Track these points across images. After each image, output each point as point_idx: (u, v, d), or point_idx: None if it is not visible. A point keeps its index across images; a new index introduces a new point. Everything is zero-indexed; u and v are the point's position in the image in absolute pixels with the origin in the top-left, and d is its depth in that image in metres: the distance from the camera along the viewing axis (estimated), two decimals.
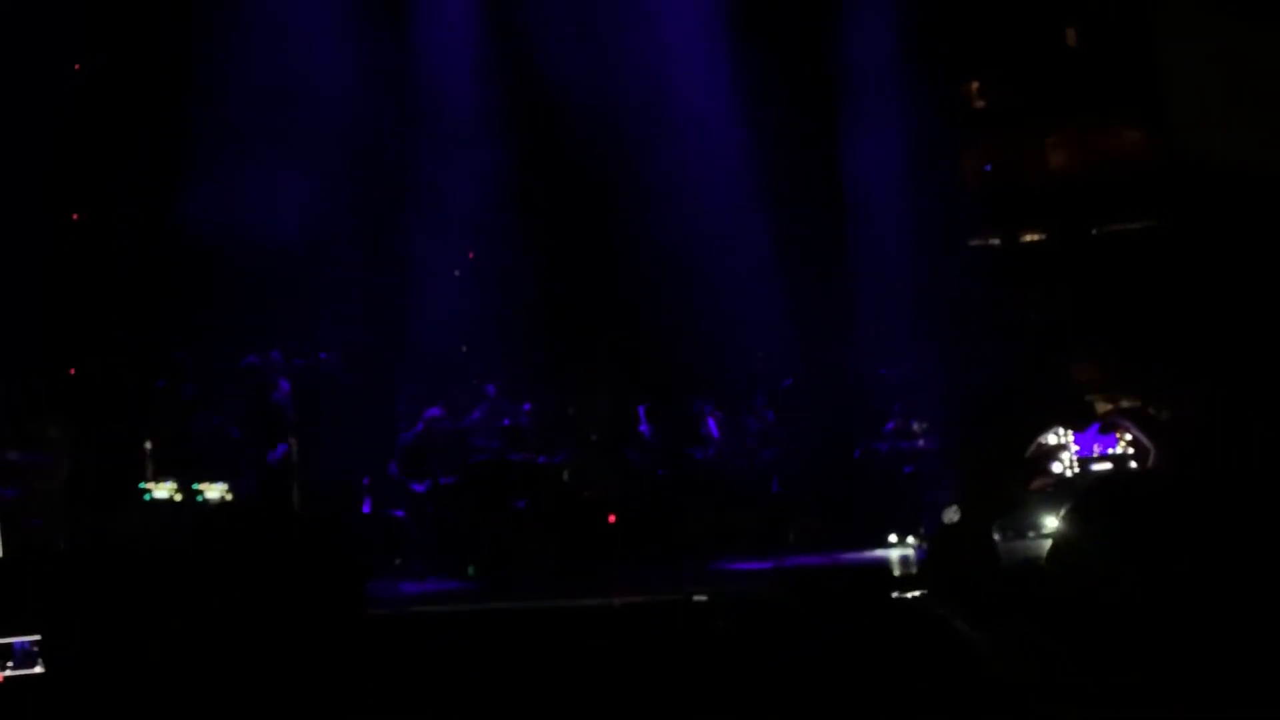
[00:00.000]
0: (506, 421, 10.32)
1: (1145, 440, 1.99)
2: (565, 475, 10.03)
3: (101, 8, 9.89)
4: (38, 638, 4.28)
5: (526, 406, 10.71)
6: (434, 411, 9.90)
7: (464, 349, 11.30)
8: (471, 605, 7.98)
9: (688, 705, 4.10)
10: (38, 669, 4.29)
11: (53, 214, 9.89)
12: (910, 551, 9.33)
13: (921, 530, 9.45)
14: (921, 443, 10.63)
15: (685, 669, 4.47)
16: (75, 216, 10.04)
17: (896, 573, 8.34)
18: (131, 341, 9.57)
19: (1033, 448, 1.94)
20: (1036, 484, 1.99)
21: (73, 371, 9.30)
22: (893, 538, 9.60)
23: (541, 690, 4.63)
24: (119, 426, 8.69)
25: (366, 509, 9.56)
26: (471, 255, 11.88)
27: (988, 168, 12.97)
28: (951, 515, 1.86)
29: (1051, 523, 9.22)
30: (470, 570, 9.00)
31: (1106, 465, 6.55)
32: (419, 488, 9.57)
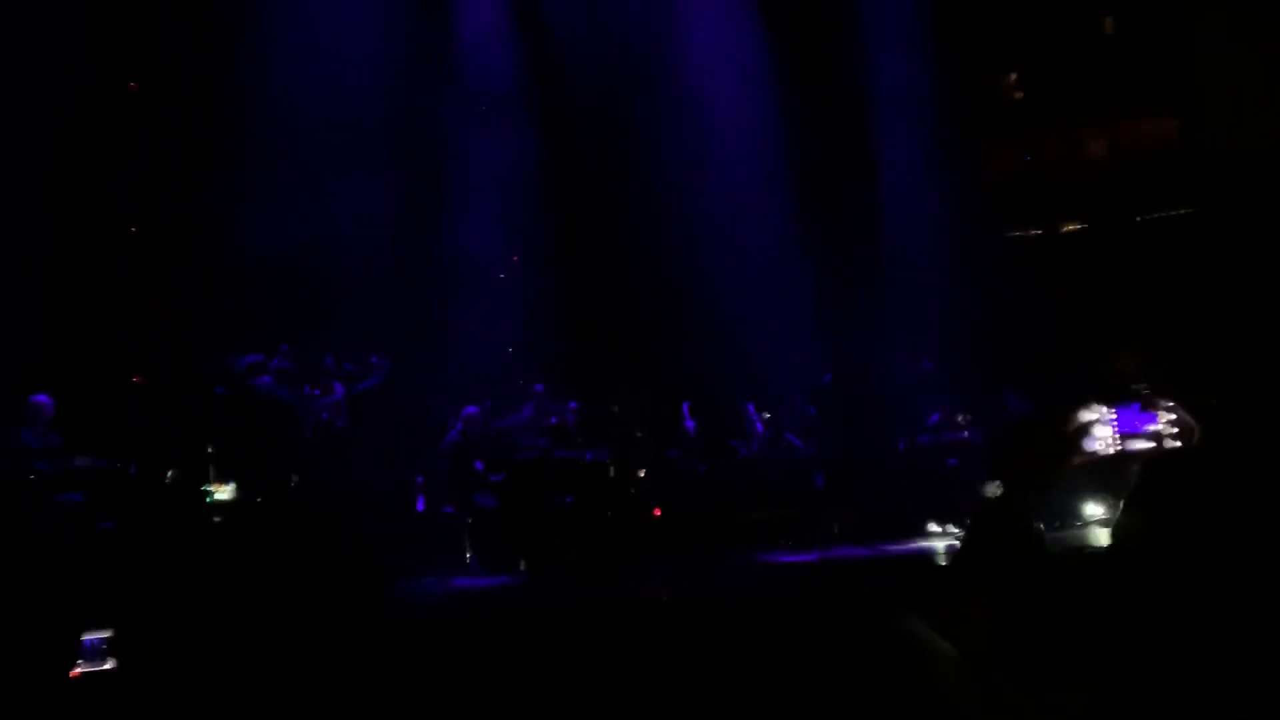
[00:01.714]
0: (553, 420, 10.50)
1: (1188, 419, 2.05)
2: (610, 472, 10.17)
3: (147, 18, 10.12)
4: (108, 634, 4.46)
5: (572, 405, 10.87)
6: (471, 410, 10.07)
7: (510, 349, 11.49)
8: (520, 600, 8.15)
9: (733, 699, 4.20)
10: (108, 665, 4.47)
11: (109, 225, 10.18)
12: (955, 543, 9.37)
13: (966, 522, 9.46)
14: (966, 434, 10.65)
15: (733, 663, 4.58)
16: (133, 230, 10.32)
17: (942, 563, 8.40)
18: (190, 349, 9.83)
19: (1073, 423, 2.00)
20: (1077, 460, 2.05)
21: (137, 380, 9.58)
22: (938, 528, 9.64)
23: (585, 686, 4.74)
24: (183, 432, 8.95)
25: (420, 507, 9.77)
26: (516, 258, 12.07)
27: (1026, 158, 12.93)
28: (993, 489, 1.93)
29: (1092, 511, 9.25)
30: (520, 565, 9.18)
31: (1147, 443, 6.53)
32: (467, 485, 9.77)
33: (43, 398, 8.78)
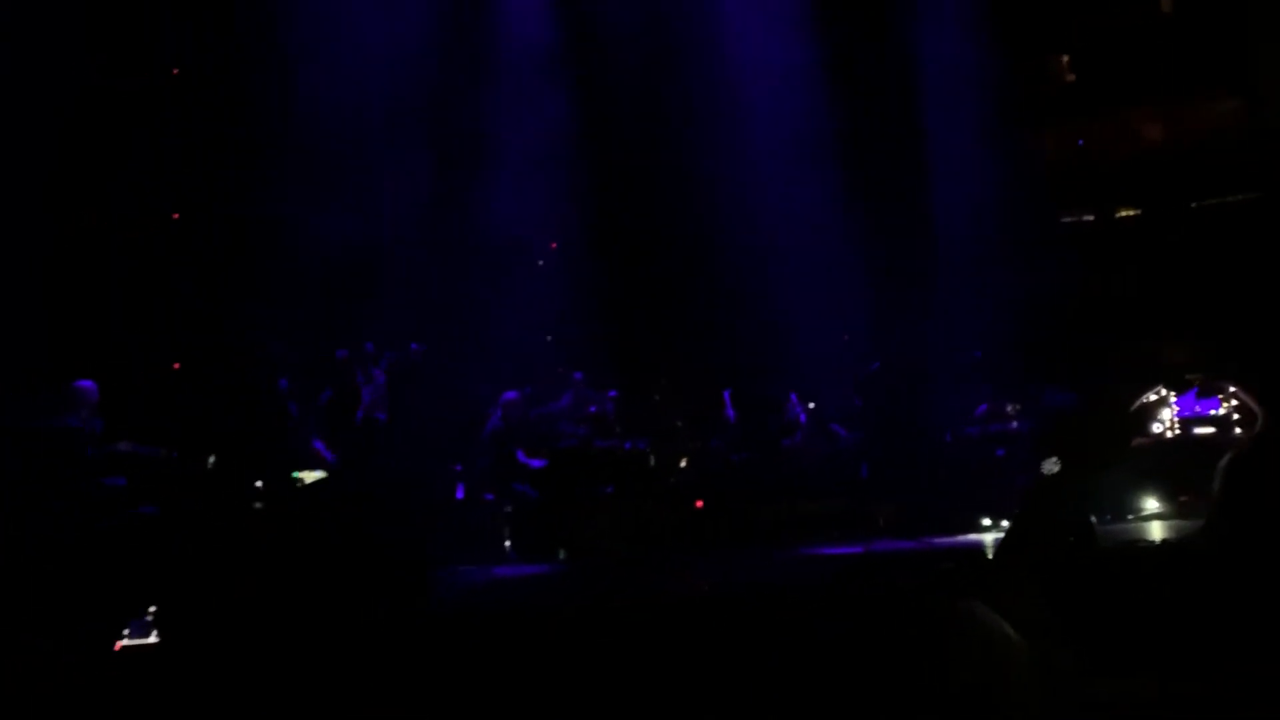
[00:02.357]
0: (593, 409, 10.43)
1: (1253, 404, 1.95)
2: (650, 461, 10.08)
3: (184, 13, 10.16)
4: (153, 609, 4.52)
5: (612, 393, 10.80)
6: (510, 395, 10.02)
7: (549, 338, 11.43)
8: (559, 590, 8.10)
9: (772, 690, 4.10)
10: (152, 639, 4.53)
11: (151, 214, 10.25)
12: (1003, 535, 9.18)
13: (1015, 513, 9.27)
14: (1015, 425, 10.45)
15: (771, 655, 4.47)
16: (175, 216, 10.39)
17: (991, 556, 8.22)
18: (228, 337, 9.89)
19: (1135, 403, 1.91)
20: (1136, 441, 1.96)
21: (176, 366, 9.64)
22: (986, 520, 9.45)
23: (620, 676, 4.67)
24: (221, 418, 8.99)
25: (460, 495, 9.75)
26: (555, 245, 12.02)
27: (1080, 143, 12.65)
28: (1051, 466, 1.84)
29: (1147, 504, 9.00)
30: (560, 554, 9.12)
31: (1209, 428, 6.35)
32: (507, 474, 9.73)
33: (87, 383, 8.85)
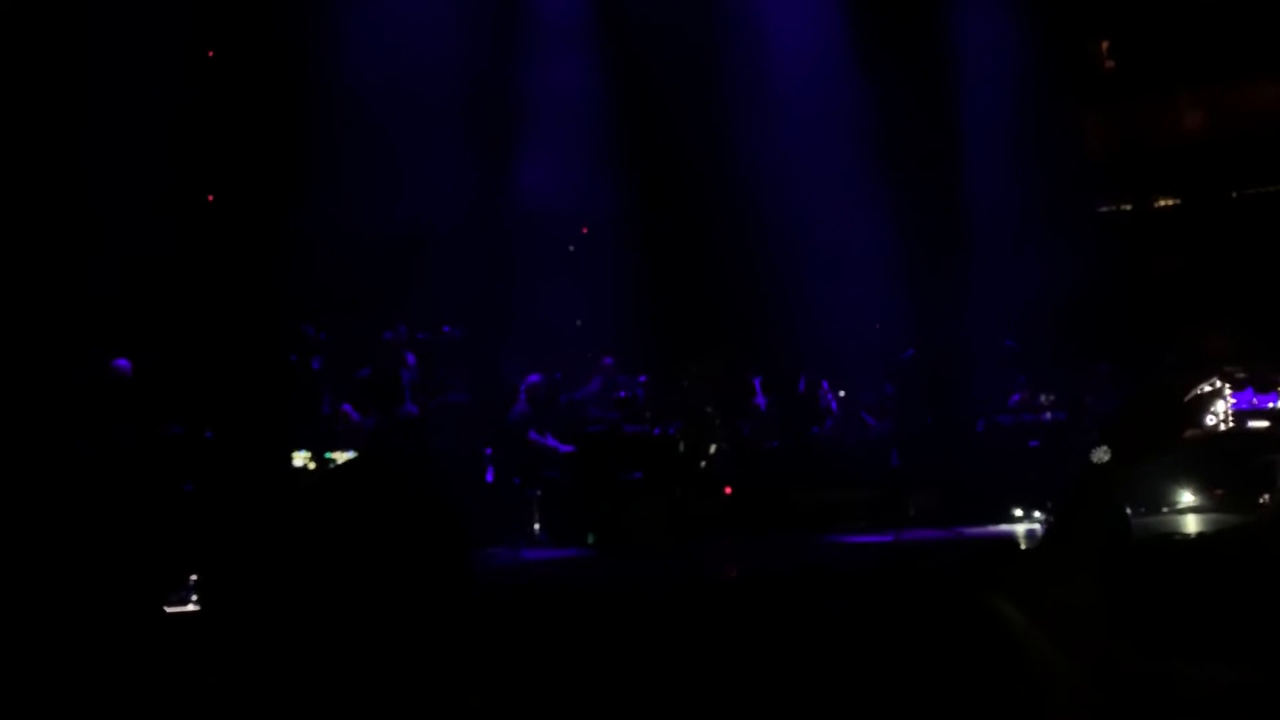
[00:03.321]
0: (623, 394, 10.42)
1: None
2: (680, 447, 10.06)
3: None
4: (194, 577, 4.58)
5: (642, 379, 10.78)
6: (534, 379, 10.02)
7: (578, 322, 11.43)
8: (588, 574, 8.11)
9: (797, 676, 4.09)
10: (192, 606, 4.59)
11: (186, 196, 10.31)
12: (1036, 526, 9.11)
13: (1048, 504, 9.21)
14: (1048, 415, 10.35)
15: (798, 641, 4.47)
16: (210, 198, 10.46)
17: (1023, 547, 8.16)
18: (264, 318, 9.95)
19: (1190, 393, 1.87)
20: (1189, 433, 1.91)
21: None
22: (1018, 511, 9.37)
23: (646, 659, 4.68)
24: (259, 398, 9.06)
25: (489, 478, 9.78)
26: (585, 230, 12.00)
27: (1118, 131, 12.47)
28: (1101, 455, 1.80)
29: (1184, 498, 8.89)
30: (589, 539, 9.13)
31: (1264, 422, 6.24)
32: (535, 457, 9.76)
33: (122, 362, 8.95)
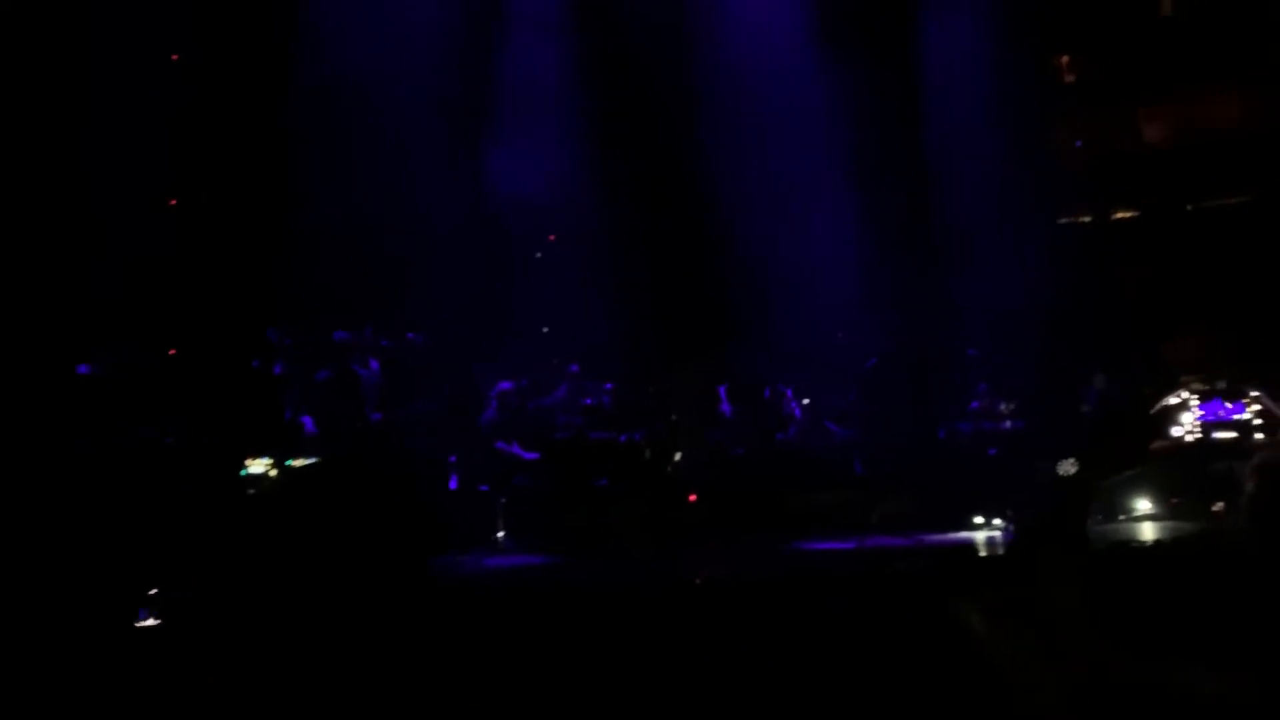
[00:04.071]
0: (589, 400, 10.43)
1: (1276, 411, 1.95)
2: (646, 454, 10.09)
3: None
4: (151, 593, 4.53)
5: (609, 386, 10.79)
6: (504, 385, 10.02)
7: (545, 329, 11.43)
8: (551, 580, 8.10)
9: (759, 681, 4.11)
10: (150, 621, 4.54)
11: (151, 200, 10.19)
12: (996, 533, 9.21)
13: (1007, 512, 9.31)
14: (1007, 424, 10.47)
15: (766, 646, 4.49)
16: (172, 202, 10.33)
17: (983, 554, 8.25)
18: (227, 322, 9.86)
19: (1157, 407, 1.91)
20: (1157, 445, 1.95)
21: (173, 352, 9.60)
22: (978, 519, 9.47)
23: (611, 667, 4.68)
24: (221, 404, 8.97)
25: (454, 485, 9.75)
26: (552, 238, 12.00)
27: (1079, 143, 12.66)
28: (1068, 468, 1.83)
29: (1143, 506, 9.03)
30: (554, 546, 9.11)
31: (1230, 433, 6.34)
32: (502, 464, 9.74)
33: (85, 369, 8.82)
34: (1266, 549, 1.65)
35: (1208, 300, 10.53)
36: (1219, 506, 8.45)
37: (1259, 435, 5.69)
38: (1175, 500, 8.89)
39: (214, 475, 8.44)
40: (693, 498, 9.92)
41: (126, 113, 9.18)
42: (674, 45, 11.38)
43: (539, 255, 12.08)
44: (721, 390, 11.09)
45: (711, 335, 11.65)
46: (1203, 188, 11.92)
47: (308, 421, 9.36)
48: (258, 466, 8.60)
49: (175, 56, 9.79)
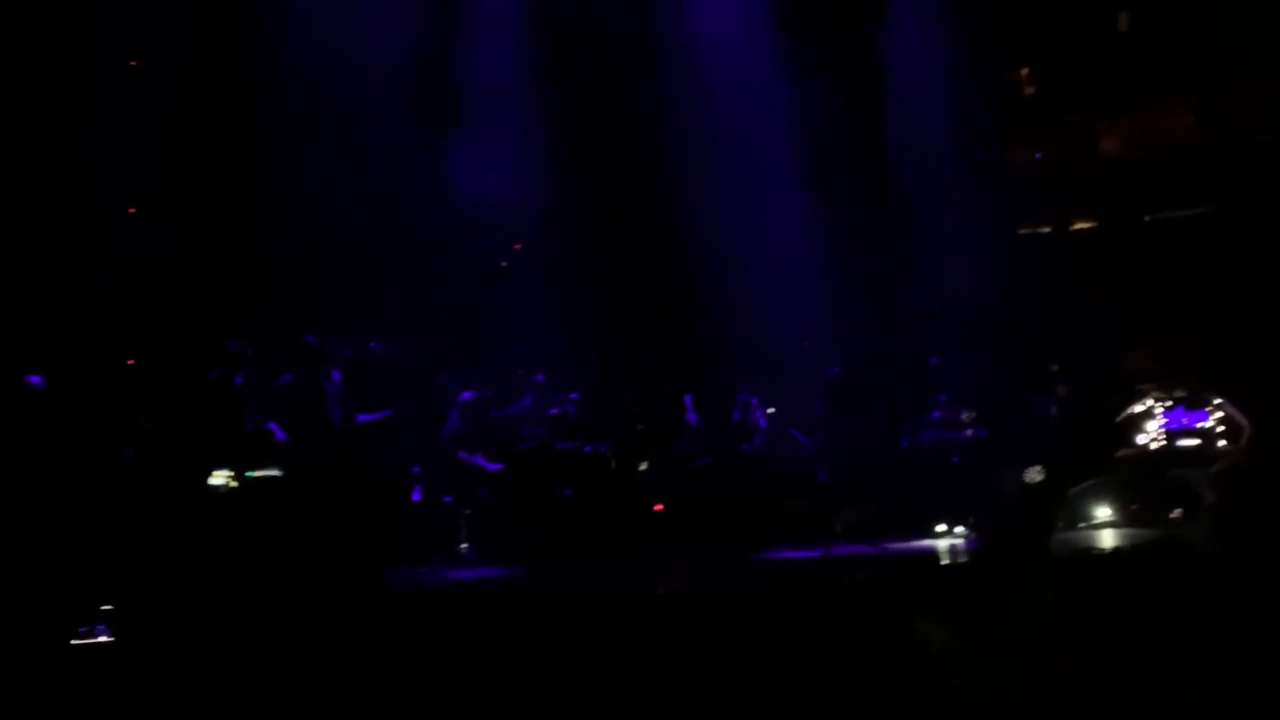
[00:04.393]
0: (554, 410, 10.39)
1: (1239, 418, 1.97)
2: (612, 464, 10.07)
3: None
4: (106, 609, 4.46)
5: (574, 395, 10.77)
6: (467, 395, 9.97)
7: (511, 338, 11.38)
8: (515, 591, 8.06)
9: (726, 693, 4.10)
10: (104, 638, 4.46)
11: (111, 206, 10.06)
12: (959, 541, 9.27)
13: (970, 520, 9.38)
14: (969, 432, 10.55)
15: (729, 657, 4.48)
16: (131, 210, 10.21)
17: (945, 562, 8.30)
18: (188, 331, 9.74)
19: (1122, 415, 1.92)
20: (1121, 453, 1.97)
21: (131, 362, 9.48)
22: (941, 526, 9.53)
23: (577, 677, 4.66)
24: (179, 415, 8.85)
25: (417, 497, 9.67)
26: (518, 246, 11.97)
27: (1038, 155, 12.80)
28: (1034, 475, 1.83)
29: (1102, 513, 9.11)
30: (518, 557, 9.07)
31: (1194, 440, 6.38)
32: (466, 475, 9.68)
33: (35, 379, 8.67)
34: (1227, 556, 1.67)
35: (1165, 310, 10.66)
36: (1177, 514, 8.54)
37: (1222, 442, 5.75)
38: (1134, 507, 8.99)
39: (173, 488, 8.32)
40: (658, 507, 9.91)
41: (84, 116, 9.09)
42: (640, 60, 11.42)
43: (505, 264, 12.05)
44: (687, 400, 11.10)
45: (677, 344, 11.67)
46: (1160, 199, 12.08)
47: (275, 429, 9.24)
48: (216, 479, 8.49)
49: (134, 63, 9.70)
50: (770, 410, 11.25)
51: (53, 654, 4.51)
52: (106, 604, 4.87)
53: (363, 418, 9.59)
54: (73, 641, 4.62)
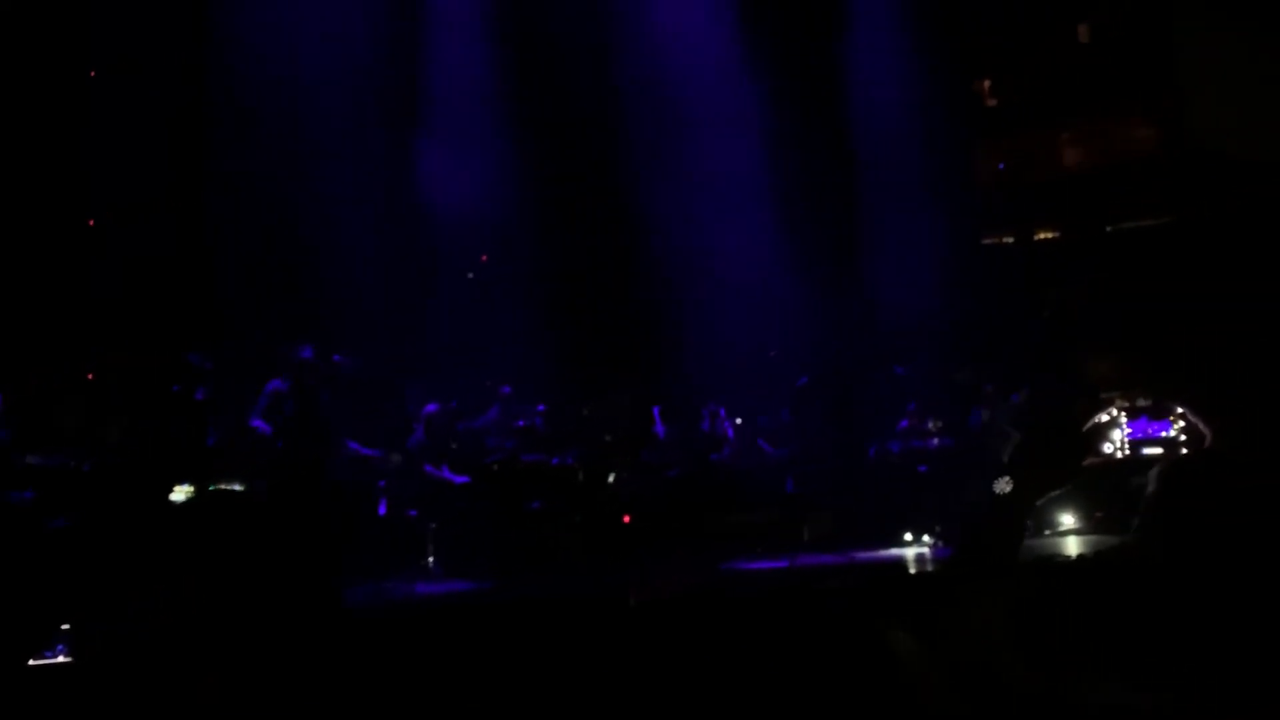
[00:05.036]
0: (521, 422, 10.33)
1: (1202, 426, 1.98)
2: (579, 476, 10.03)
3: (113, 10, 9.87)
4: (62, 627, 4.35)
5: (541, 407, 10.72)
6: (430, 408, 9.88)
7: (476, 350, 11.32)
8: (483, 604, 7.99)
9: (698, 704, 4.09)
10: (61, 658, 4.36)
11: (69, 217, 9.92)
12: (926, 550, 9.31)
13: (937, 529, 9.42)
14: (935, 442, 10.60)
15: (700, 667, 4.47)
16: (90, 222, 10.07)
17: (912, 571, 8.32)
18: (150, 345, 9.61)
19: (1089, 423, 1.92)
20: (1089, 461, 1.96)
21: (90, 377, 9.33)
22: (908, 536, 9.56)
23: (550, 689, 4.63)
24: (142, 429, 8.73)
25: (382, 511, 9.57)
26: (485, 258, 11.92)
27: (1000, 166, 12.94)
28: (1003, 486, 1.81)
29: (1067, 520, 9.19)
30: (485, 570, 8.99)
31: (1158, 449, 6.41)
32: (431, 488, 9.59)
33: None
34: (1169, 553, 1.66)
35: (1126, 319, 10.79)
36: (1100, 514, 8.71)
37: (1185, 450, 5.81)
38: (1099, 515, 9.09)
39: (133, 503, 8.19)
40: (627, 519, 9.87)
41: (39, 118, 8.96)
42: (604, 68, 11.42)
43: (471, 275, 11.99)
44: (655, 411, 11.08)
45: (645, 355, 11.66)
46: (1121, 209, 12.24)
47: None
48: (178, 494, 8.37)
49: (92, 73, 9.58)
50: (738, 420, 11.26)
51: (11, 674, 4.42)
52: (64, 623, 4.76)
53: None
54: (30, 661, 4.52)
